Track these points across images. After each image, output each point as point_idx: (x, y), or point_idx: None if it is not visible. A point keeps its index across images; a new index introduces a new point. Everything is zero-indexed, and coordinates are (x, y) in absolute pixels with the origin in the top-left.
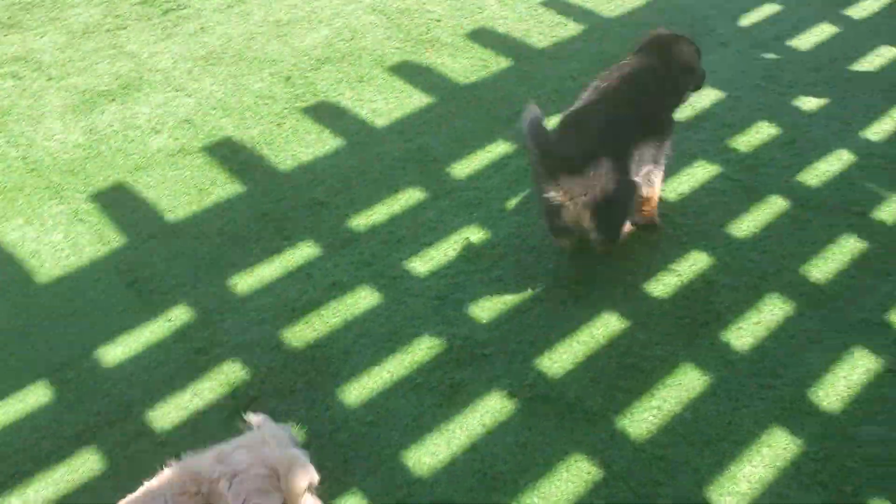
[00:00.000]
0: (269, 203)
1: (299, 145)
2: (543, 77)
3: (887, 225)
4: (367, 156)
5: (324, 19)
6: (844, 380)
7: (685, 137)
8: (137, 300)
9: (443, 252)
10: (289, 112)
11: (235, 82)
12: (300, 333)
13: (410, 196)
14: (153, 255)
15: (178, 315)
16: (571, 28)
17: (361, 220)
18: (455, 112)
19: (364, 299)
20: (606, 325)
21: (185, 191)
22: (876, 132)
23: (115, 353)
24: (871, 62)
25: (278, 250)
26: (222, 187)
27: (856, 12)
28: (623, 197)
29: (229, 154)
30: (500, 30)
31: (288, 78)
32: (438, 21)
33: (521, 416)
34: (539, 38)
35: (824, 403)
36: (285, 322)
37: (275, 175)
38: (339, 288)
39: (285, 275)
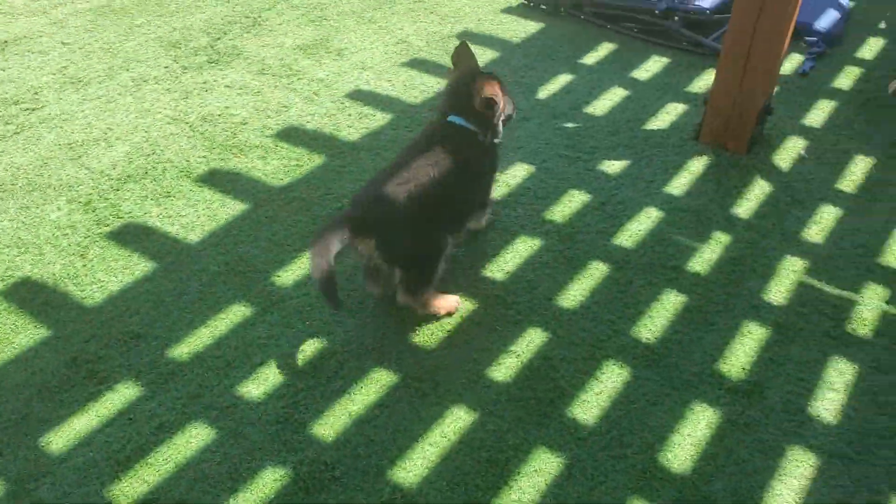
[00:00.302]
0: (79, 344)
1: (106, 275)
2: (360, 169)
3: (701, 276)
4: (183, 275)
5: (121, 135)
6: (689, 437)
7: (505, 215)
8: None
9: (277, 371)
10: (92, 240)
11: (29, 214)
12: (129, 489)
13: (235, 313)
14: None
15: None
16: (379, 118)
17: (184, 349)
18: (273, 216)
19: (196, 437)
20: (456, 421)
21: None
22: (676, 186)
23: None
24: (663, 119)
25: (93, 397)
26: (23, 334)
27: (641, 74)
28: (431, 251)
29: (29, 295)
30: (309, 126)
31: (87, 203)
32: (244, 124)
33: None
34: (349, 131)
35: (675, 465)
36: (110, 478)
37: (82, 311)
38: (166, 429)
39: (104, 423)
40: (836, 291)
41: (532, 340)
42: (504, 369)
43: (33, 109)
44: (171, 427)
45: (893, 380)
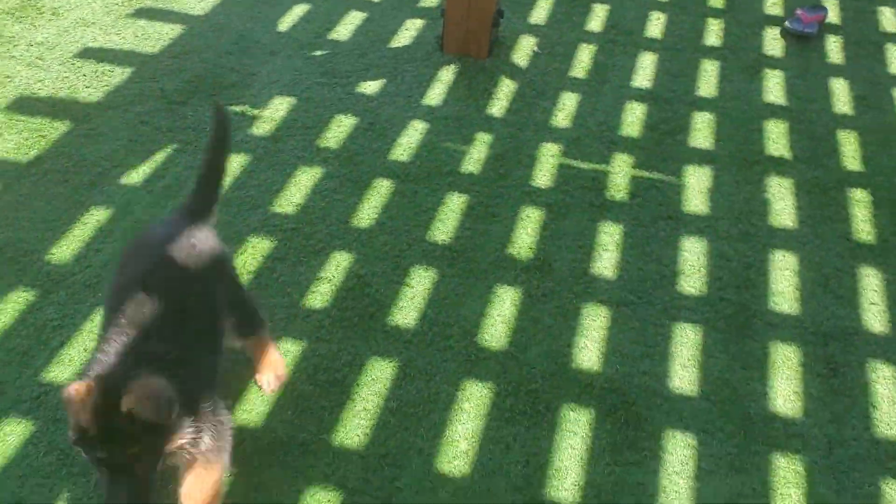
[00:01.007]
0: None
1: None
2: (112, 129)
3: (475, 175)
4: None
5: None
6: (499, 317)
7: (278, 150)
8: None
9: (81, 349)
10: None
11: None
12: None
13: (16, 301)
14: None
15: None
16: (118, 73)
17: None
18: (28, 193)
19: (13, 434)
20: (286, 354)
21: None
22: (432, 97)
23: None
24: (405, 36)
25: None
26: None
27: None
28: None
29: None
30: (42, 93)
31: None
32: None
33: (239, 480)
34: (88, 92)
35: (493, 344)
36: None
37: None
38: None
39: None
40: (591, 166)
41: (339, 264)
42: (320, 296)
43: None
44: None
45: (652, 231)
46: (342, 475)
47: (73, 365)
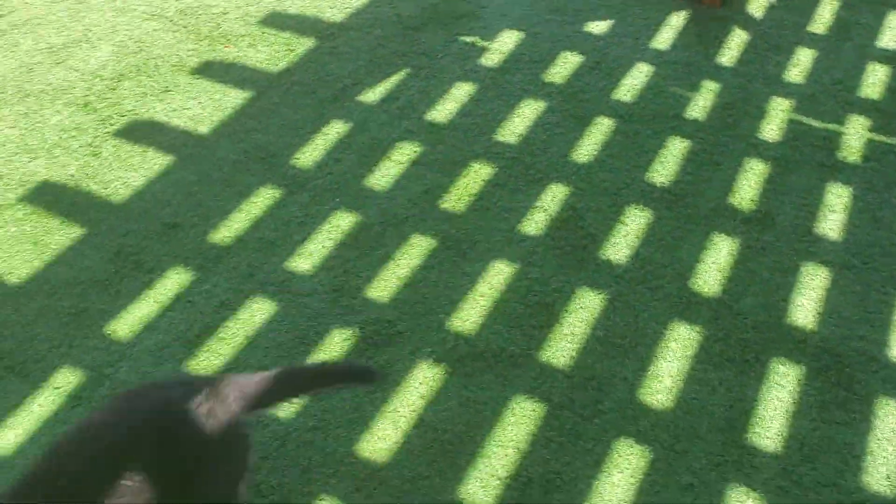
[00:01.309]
0: (118, 238)
1: (126, 171)
2: (353, 49)
3: (700, 121)
4: (204, 166)
5: (102, 35)
6: (714, 264)
7: (504, 81)
8: (10, 376)
9: (320, 245)
10: (101, 139)
11: (29, 120)
12: (206, 362)
13: (265, 196)
14: (8, 324)
15: (65, 379)
16: None
17: (224, 233)
18: (278, 101)
19: (259, 312)
20: (500, 273)
21: (18, 248)
22: (661, 42)
23: (8, 438)
24: None
25: (146, 285)
26: (60, 235)
27: None
28: None
29: (53, 198)
30: (292, 10)
31: (86, 104)
32: (225, 14)
33: (453, 377)
34: (333, 12)
35: (706, 290)
36: (186, 355)
37: (112, 208)
38: (228, 307)
39: (165, 308)
40: (823, 125)
41: (556, 195)
42: (535, 224)
43: (1, 16)
44: (232, 305)
45: (885, 197)
46: (547, 390)
47: (313, 258)
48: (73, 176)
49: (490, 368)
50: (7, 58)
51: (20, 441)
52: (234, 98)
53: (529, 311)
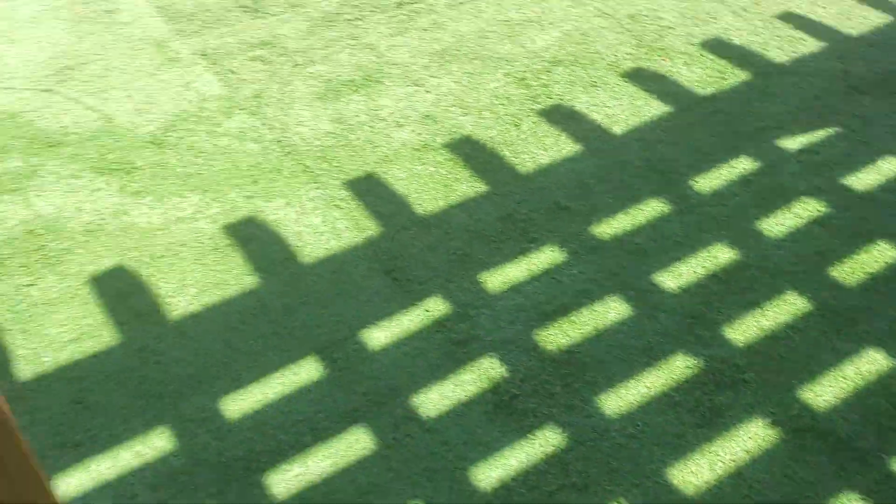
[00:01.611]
0: (512, 204)
1: (537, 147)
2: (785, 93)
3: None
4: (606, 163)
5: (553, 21)
6: None
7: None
8: (395, 288)
9: (691, 269)
10: (525, 113)
11: (471, 80)
12: (553, 337)
13: (653, 208)
14: (407, 246)
15: (435, 306)
16: (810, 44)
17: (605, 229)
18: (694, 123)
19: (613, 310)
20: (873, 363)
21: (431, 186)
22: None
23: (377, 337)
24: None
25: (524, 252)
26: (466, 185)
27: None
28: None
29: (470, 152)
30: (736, 41)
31: (522, 79)
32: (670, 28)
33: (786, 447)
34: (777, 53)
35: None
36: (537, 324)
37: (515, 176)
38: (587, 296)
39: (533, 277)
40: None
41: None
42: None
43: None
44: (592, 295)
45: None
46: (884, 498)
47: (680, 279)
48: (492, 138)
49: (828, 452)
50: (470, 21)
51: (385, 343)
52: (653, 108)
53: (893, 411)
